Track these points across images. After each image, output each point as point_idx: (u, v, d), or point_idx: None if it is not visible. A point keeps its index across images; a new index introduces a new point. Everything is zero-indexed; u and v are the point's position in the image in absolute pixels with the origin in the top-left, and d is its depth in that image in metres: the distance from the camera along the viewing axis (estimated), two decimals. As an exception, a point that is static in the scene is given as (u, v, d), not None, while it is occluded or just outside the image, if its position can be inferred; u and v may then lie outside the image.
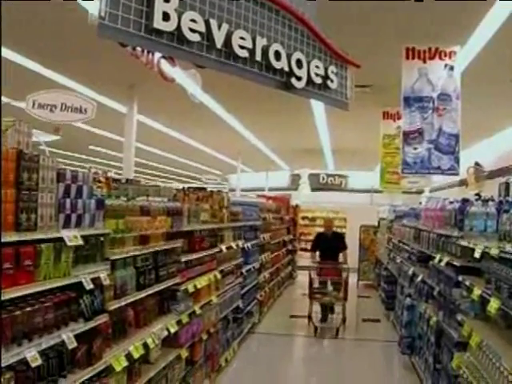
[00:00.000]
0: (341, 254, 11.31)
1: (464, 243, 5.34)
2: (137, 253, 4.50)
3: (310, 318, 10.40)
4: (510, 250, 4.03)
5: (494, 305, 4.31)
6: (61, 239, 3.34)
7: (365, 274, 16.46)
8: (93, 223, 3.74)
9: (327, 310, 10.95)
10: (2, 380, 2.92)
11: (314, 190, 22.74)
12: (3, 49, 7.82)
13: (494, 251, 4.28)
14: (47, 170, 3.22)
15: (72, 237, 3.39)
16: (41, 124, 12.00)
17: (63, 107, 3.91)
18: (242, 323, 8.89)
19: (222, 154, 21.62)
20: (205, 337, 6.52)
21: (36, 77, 9.68)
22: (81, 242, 3.48)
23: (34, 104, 3.90)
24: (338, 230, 21.27)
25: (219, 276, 7.15)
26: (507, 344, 4.28)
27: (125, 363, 4.16)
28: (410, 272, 8.53)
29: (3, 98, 9.41)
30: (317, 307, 10.76)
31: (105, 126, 15.45)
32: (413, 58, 7.52)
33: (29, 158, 3.08)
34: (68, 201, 3.45)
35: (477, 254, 4.78)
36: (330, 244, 11.26)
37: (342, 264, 10.99)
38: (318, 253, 11.40)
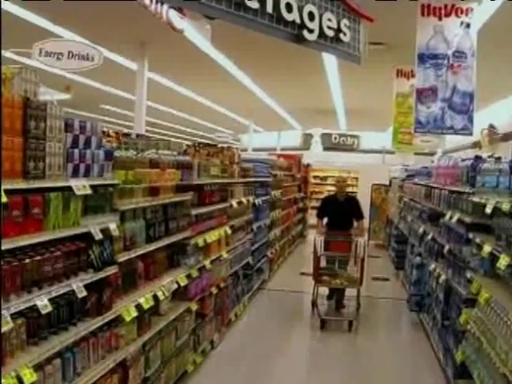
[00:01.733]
0: (354, 225, 9.21)
1: (476, 199, 5.30)
2: (146, 204, 4.50)
3: (314, 305, 8.40)
4: (522, 206, 4.00)
5: (503, 261, 4.30)
6: (69, 188, 3.34)
7: (375, 233, 16.48)
8: (101, 174, 3.73)
9: (338, 292, 8.91)
10: (14, 325, 2.96)
11: (325, 149, 22.66)
12: (14, 6, 7.72)
13: (506, 206, 4.25)
14: (55, 119, 3.19)
15: (81, 186, 3.39)
16: (52, 82, 12.01)
17: (70, 55, 3.87)
18: (252, 279, 8.96)
19: (234, 113, 21.51)
20: (215, 291, 6.58)
21: (46, 34, 9.58)
22: (89, 192, 3.47)
23: (40, 52, 3.86)
24: (351, 193, 21.42)
25: (229, 231, 7.17)
26: (515, 300, 4.29)
27: (134, 314, 4.21)
28: (421, 230, 8.52)
29: (14, 56, 9.35)
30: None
31: (116, 84, 15.41)
32: (428, 15, 7.34)
33: (36, 106, 3.04)
34: (76, 151, 3.43)
35: (488, 210, 4.75)
36: (340, 210, 9.05)
37: (355, 236, 8.78)
38: (325, 220, 9.31)
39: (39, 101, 3.09)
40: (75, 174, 3.42)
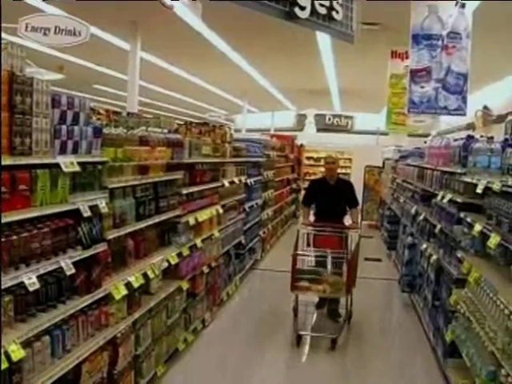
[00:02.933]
0: (347, 215, 7.83)
1: (467, 179, 5.30)
2: (136, 182, 4.47)
3: (295, 312, 7.07)
4: (513, 184, 3.99)
5: (493, 240, 4.30)
6: (57, 165, 3.31)
7: (368, 214, 16.50)
8: (90, 151, 3.69)
9: (326, 301, 7.44)
10: (2, 302, 2.95)
11: (319, 130, 22.59)
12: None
13: (497, 186, 4.24)
14: (41, 95, 3.15)
15: (68, 163, 3.35)
16: (45, 62, 11.89)
17: (57, 30, 3.81)
18: (244, 259, 8.98)
19: (228, 93, 21.40)
20: (206, 270, 6.58)
21: (34, 11, 9.41)
22: (77, 169, 3.44)
23: (26, 27, 3.80)
24: (343, 174, 21.18)
25: (221, 210, 7.16)
26: (505, 280, 4.30)
27: (124, 292, 4.20)
28: (413, 211, 8.53)
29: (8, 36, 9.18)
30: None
31: (109, 63, 15.26)
32: (423, -6, 7.31)
33: (22, 81, 3.00)
34: (64, 127, 3.39)
35: (479, 190, 4.75)
36: (331, 196, 7.48)
37: (350, 229, 7.36)
38: (313, 209, 7.95)
39: (25, 75, 3.05)
40: (63, 150, 3.39)
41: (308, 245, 7.11)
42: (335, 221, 7.31)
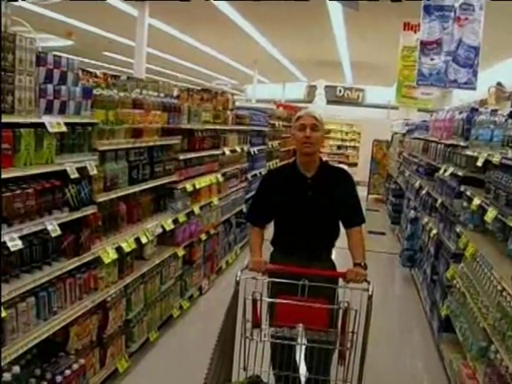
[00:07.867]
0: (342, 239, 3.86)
1: (469, 152, 5.20)
2: (129, 146, 4.39)
3: None
4: (512, 157, 3.89)
5: (490, 214, 4.22)
6: (43, 125, 3.24)
7: (375, 187, 16.43)
8: (79, 112, 3.61)
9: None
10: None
11: (329, 102, 22.32)
12: None
13: (496, 158, 4.15)
14: (25, 52, 3.05)
15: (54, 123, 3.28)
16: (54, 29, 11.76)
17: (35, -14, 3.72)
18: (245, 228, 8.92)
19: (238, 63, 21.17)
20: (204, 238, 6.55)
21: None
22: (64, 129, 3.36)
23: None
24: (352, 149, 21.02)
25: (221, 178, 7.10)
26: (501, 255, 4.23)
27: (114, 256, 4.17)
28: (417, 185, 8.44)
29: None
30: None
31: (119, 30, 15.09)
32: (436, -36, 7.11)
33: (3, 37, 2.91)
34: (50, 86, 3.30)
35: (479, 163, 4.66)
36: (308, 206, 3.65)
37: (352, 278, 3.70)
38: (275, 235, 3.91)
39: (7, 32, 2.97)
40: (49, 110, 3.30)
41: (255, 325, 3.43)
42: (316, 259, 3.75)
